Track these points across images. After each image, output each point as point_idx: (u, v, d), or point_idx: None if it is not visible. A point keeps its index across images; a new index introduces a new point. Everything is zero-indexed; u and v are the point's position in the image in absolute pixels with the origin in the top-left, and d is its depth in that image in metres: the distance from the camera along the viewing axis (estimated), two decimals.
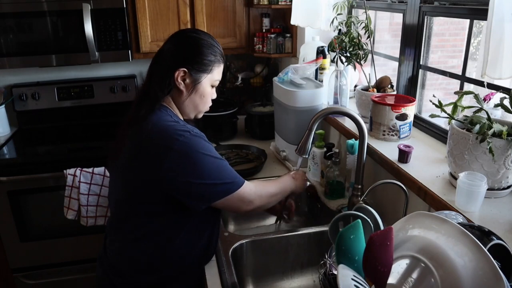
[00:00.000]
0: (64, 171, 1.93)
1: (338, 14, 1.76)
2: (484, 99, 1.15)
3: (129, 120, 1.21)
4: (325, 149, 1.67)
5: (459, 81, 1.41)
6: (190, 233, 1.22)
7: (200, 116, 1.32)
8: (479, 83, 1.27)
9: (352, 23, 1.73)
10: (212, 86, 1.28)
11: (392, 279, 0.79)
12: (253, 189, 1.24)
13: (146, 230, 1.20)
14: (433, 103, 1.14)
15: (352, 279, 0.76)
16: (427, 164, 1.31)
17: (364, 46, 1.71)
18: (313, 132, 1.38)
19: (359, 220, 0.85)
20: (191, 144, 1.12)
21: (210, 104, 1.31)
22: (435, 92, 1.21)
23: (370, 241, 0.78)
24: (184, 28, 2.24)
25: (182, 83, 1.21)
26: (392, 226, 0.82)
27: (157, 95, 1.19)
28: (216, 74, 1.26)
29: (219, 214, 1.33)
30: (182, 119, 1.26)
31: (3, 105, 2.32)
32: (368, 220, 0.99)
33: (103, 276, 1.28)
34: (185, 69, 1.19)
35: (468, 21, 1.34)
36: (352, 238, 0.84)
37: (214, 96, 1.30)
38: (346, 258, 0.84)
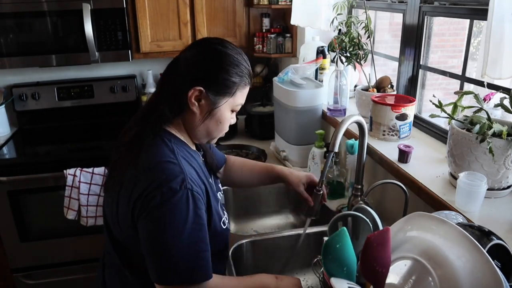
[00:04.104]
0: (64, 171, 1.94)
1: (338, 14, 1.76)
2: (484, 99, 1.15)
3: (130, 138, 1.01)
4: (325, 149, 1.68)
5: (459, 81, 1.41)
6: None
7: (213, 142, 1.13)
8: (479, 83, 1.27)
9: (352, 23, 1.73)
10: (233, 111, 1.07)
11: (391, 280, 0.79)
12: None
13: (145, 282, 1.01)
14: (433, 103, 1.14)
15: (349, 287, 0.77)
16: (427, 164, 1.31)
17: (364, 46, 1.71)
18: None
19: (344, 228, 0.84)
20: (168, 208, 0.89)
21: (227, 130, 1.09)
22: (435, 92, 1.21)
23: (367, 242, 0.78)
24: (184, 28, 2.23)
25: (196, 103, 1.00)
26: (390, 226, 0.81)
27: (165, 114, 1.00)
28: (239, 97, 1.04)
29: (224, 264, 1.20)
30: (190, 145, 1.07)
31: (3, 105, 2.32)
32: (367, 220, 0.99)
33: None
34: (201, 88, 0.98)
35: (468, 21, 1.34)
36: (338, 247, 0.82)
37: (234, 121, 1.09)
38: (334, 267, 0.84)
